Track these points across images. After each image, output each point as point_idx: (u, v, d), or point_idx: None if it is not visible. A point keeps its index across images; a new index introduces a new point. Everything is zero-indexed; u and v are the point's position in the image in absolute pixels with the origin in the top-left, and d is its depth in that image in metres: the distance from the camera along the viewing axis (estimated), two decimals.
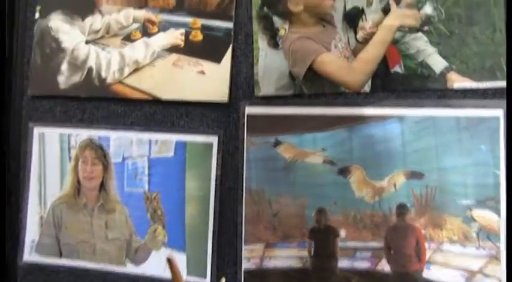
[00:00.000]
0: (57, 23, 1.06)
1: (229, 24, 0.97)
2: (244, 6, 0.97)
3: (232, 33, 0.97)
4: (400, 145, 0.88)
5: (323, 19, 0.92)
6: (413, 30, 0.89)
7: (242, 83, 0.95)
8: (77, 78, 1.04)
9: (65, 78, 1.04)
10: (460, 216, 0.84)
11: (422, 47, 0.89)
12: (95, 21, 1.05)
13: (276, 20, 0.93)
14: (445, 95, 0.87)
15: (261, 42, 0.94)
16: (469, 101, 0.86)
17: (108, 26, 1.05)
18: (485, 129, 0.84)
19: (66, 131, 1.04)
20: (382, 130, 0.89)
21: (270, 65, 0.93)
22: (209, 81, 0.96)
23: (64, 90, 1.05)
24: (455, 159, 0.85)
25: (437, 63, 0.88)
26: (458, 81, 0.87)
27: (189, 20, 1.00)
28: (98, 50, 1.03)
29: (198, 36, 0.99)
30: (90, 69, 1.03)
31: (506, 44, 0.84)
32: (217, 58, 0.96)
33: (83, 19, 1.06)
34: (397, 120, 0.88)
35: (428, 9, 0.88)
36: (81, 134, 1.03)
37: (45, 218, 1.04)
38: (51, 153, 1.05)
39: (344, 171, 0.89)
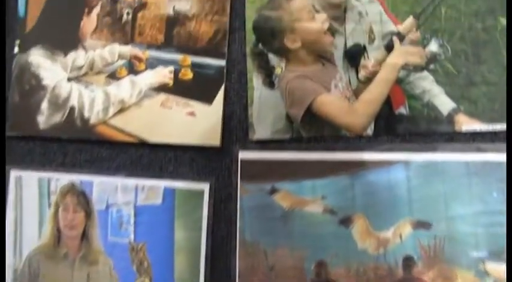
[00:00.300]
0: (38, 59, 1.05)
1: (222, 62, 0.96)
2: (238, 42, 0.96)
3: (224, 72, 0.96)
4: (405, 192, 0.86)
5: (322, 57, 0.90)
6: (418, 68, 0.88)
7: (235, 125, 0.94)
8: (58, 118, 1.02)
9: (45, 118, 1.02)
10: (472, 270, 0.81)
11: (428, 86, 0.88)
12: (78, 57, 1.04)
13: (272, 57, 0.92)
14: (453, 138, 0.85)
15: (256, 82, 0.93)
16: (479, 145, 0.84)
17: (92, 63, 1.03)
18: (497, 175, 0.82)
19: (45, 175, 1.02)
20: (386, 176, 0.86)
21: (266, 106, 0.92)
22: (200, 123, 0.94)
23: (44, 131, 1.02)
24: (466, 207, 0.83)
25: (444, 104, 0.87)
26: (466, 124, 0.85)
27: (178, 57, 0.99)
28: (81, 88, 1.02)
29: (187, 74, 0.97)
30: (72, 109, 1.01)
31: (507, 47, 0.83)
32: (208, 99, 0.95)
33: (65, 54, 1.04)
34: (402, 166, 0.86)
35: (433, 46, 0.87)
36: (62, 179, 1.01)
37: (21, 270, 1.00)
38: (29, 198, 1.03)
39: (346, 221, 0.87)
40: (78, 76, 1.03)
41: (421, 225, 0.84)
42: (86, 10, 1.04)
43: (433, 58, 0.87)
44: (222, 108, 0.94)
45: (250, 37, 0.94)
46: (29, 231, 1.02)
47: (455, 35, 0.88)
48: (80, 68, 1.04)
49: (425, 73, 0.88)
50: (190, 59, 0.98)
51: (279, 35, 0.89)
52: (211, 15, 0.98)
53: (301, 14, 0.89)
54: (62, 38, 1.05)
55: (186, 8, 0.99)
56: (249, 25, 0.94)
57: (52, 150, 1.03)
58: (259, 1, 0.94)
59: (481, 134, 0.85)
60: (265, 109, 0.92)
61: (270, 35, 0.90)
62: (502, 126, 0.83)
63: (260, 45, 0.92)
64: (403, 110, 0.88)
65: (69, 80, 1.03)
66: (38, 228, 1.01)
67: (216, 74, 0.96)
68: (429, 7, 0.88)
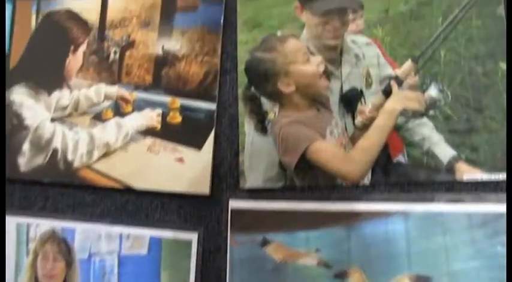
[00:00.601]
0: (21, 97, 1.05)
1: (212, 105, 0.96)
2: (229, 85, 0.96)
3: (215, 116, 0.95)
4: (404, 245, 0.85)
5: (317, 101, 0.90)
6: (417, 114, 0.88)
7: (226, 173, 0.93)
8: (40, 160, 1.01)
9: (26, 160, 1.02)
10: None
11: (428, 133, 0.87)
12: (62, 97, 1.04)
13: (265, 101, 0.91)
14: (454, 188, 0.85)
15: (248, 127, 0.93)
16: (481, 195, 0.83)
17: (77, 103, 1.03)
18: (500, 227, 0.81)
19: (25, 220, 1.01)
20: (384, 228, 0.86)
21: (258, 153, 0.91)
22: (188, 170, 0.93)
23: (25, 174, 1.02)
24: (468, 262, 0.82)
25: (444, 152, 0.86)
26: (468, 173, 0.85)
27: (166, 99, 0.99)
28: (65, 129, 1.02)
29: (176, 118, 0.97)
30: (55, 151, 1.01)
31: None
32: (197, 144, 0.95)
33: (49, 94, 1.04)
34: (400, 217, 0.85)
35: (433, 91, 0.87)
36: (42, 225, 1.00)
37: None
38: (7, 245, 1.01)
39: (341, 275, 0.86)
40: (62, 117, 1.04)
41: (420, 280, 0.83)
42: (72, 48, 1.05)
43: (432, 104, 0.87)
44: (211, 155, 0.94)
45: (242, 80, 0.93)
46: (5, 280, 1.00)
47: (456, 79, 0.88)
48: (64, 108, 1.04)
49: (424, 119, 0.88)
50: (179, 101, 0.98)
51: (272, 78, 0.88)
52: (202, 56, 0.98)
53: (296, 56, 0.88)
54: (46, 76, 1.05)
55: (175, 47, 1.00)
56: (241, 67, 0.94)
57: (33, 193, 1.03)
58: (251, 42, 0.95)
59: (483, 184, 0.84)
60: (257, 156, 0.91)
61: (263, 78, 0.89)
62: (504, 176, 0.83)
63: (252, 88, 0.91)
64: (401, 158, 0.88)
65: (52, 120, 1.03)
66: (14, 278, 1.00)
67: (206, 118, 0.96)
68: (428, 50, 0.88)
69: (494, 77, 0.86)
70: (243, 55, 0.94)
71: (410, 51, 0.90)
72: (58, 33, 1.06)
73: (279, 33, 0.92)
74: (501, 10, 0.88)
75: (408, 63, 0.88)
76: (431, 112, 0.87)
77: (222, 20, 0.98)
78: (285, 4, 0.96)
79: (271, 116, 0.91)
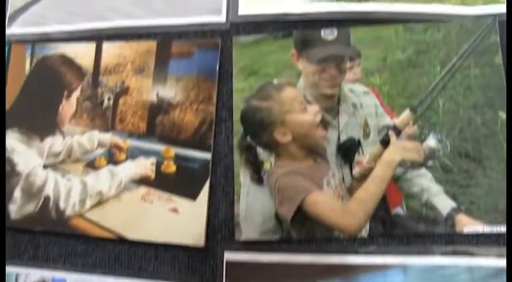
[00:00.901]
0: (13, 142, 1.05)
1: (207, 155, 0.97)
2: (224, 134, 0.97)
3: (210, 166, 0.96)
4: None
5: (314, 152, 0.91)
6: (416, 165, 0.88)
7: (221, 224, 0.94)
8: (31, 208, 1.01)
9: (17, 207, 1.02)
10: None
11: (427, 185, 0.89)
12: (55, 143, 1.05)
13: (261, 151, 0.92)
14: (454, 241, 0.86)
15: (243, 177, 0.93)
16: (482, 248, 0.84)
17: (70, 150, 1.04)
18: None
19: (14, 269, 1.01)
20: (383, 281, 0.86)
21: (253, 204, 0.92)
22: (182, 221, 0.94)
23: (15, 221, 1.02)
24: None
25: (443, 203, 0.87)
26: (468, 225, 0.86)
27: (161, 148, 1.00)
28: (57, 176, 1.02)
29: (170, 167, 0.98)
30: (47, 199, 1.01)
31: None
32: (192, 194, 0.95)
33: (42, 139, 1.05)
34: (399, 270, 0.86)
35: (431, 141, 0.88)
36: (32, 274, 1.00)
37: None
38: None
39: None
40: (55, 163, 1.04)
41: None
42: (66, 93, 1.06)
43: (431, 154, 0.88)
44: (206, 205, 0.94)
45: (238, 129, 0.95)
46: None
47: (454, 129, 0.90)
48: (57, 154, 1.04)
49: (423, 170, 0.89)
50: (173, 150, 0.99)
51: (269, 128, 0.89)
52: (197, 104, 1.00)
53: (292, 105, 0.90)
54: (39, 121, 1.06)
55: (170, 95, 1.01)
56: (236, 116, 0.95)
57: (23, 242, 1.03)
58: (247, 90, 0.96)
59: (484, 236, 0.85)
60: (253, 207, 0.92)
61: (259, 127, 0.90)
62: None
63: (248, 138, 0.92)
64: (400, 210, 0.89)
65: (45, 167, 1.03)
66: None
67: (200, 167, 0.96)
68: (426, 99, 0.90)
69: (493, 126, 0.88)
70: (238, 103, 0.96)
71: (409, 101, 0.91)
72: (52, 78, 1.08)
73: (275, 81, 0.94)
74: (499, 58, 0.91)
75: (406, 113, 0.89)
76: (430, 163, 0.88)
77: (217, 67, 1.00)
78: (281, 52, 0.98)
79: (267, 166, 0.91)
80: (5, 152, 1.03)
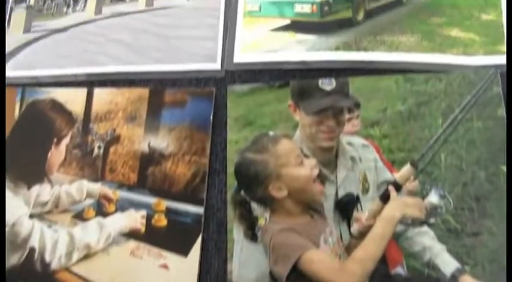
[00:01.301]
0: None
1: (199, 209, 0.95)
2: (218, 187, 0.95)
3: (202, 220, 0.94)
4: None
5: (311, 207, 0.87)
6: (417, 222, 0.84)
7: None
8: (15, 259, 0.98)
9: None
10: None
11: (429, 243, 0.86)
12: (42, 192, 1.02)
13: (255, 206, 0.88)
14: None
15: (237, 233, 0.90)
16: None
17: (58, 199, 1.02)
18: None
19: None
20: None
21: (247, 262, 0.89)
22: (173, 277, 0.91)
23: None
24: None
25: (447, 263, 0.85)
26: None
27: (151, 200, 0.97)
28: (44, 227, 0.99)
29: (161, 221, 0.96)
30: (32, 250, 0.97)
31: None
32: (183, 250, 0.93)
33: (29, 187, 1.02)
34: None
35: (433, 197, 0.85)
36: None
37: None
38: None
39: None
40: (42, 213, 1.01)
41: None
42: (55, 140, 1.04)
43: (433, 211, 0.84)
44: (198, 262, 0.92)
45: (232, 182, 0.92)
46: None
47: (458, 185, 0.88)
48: (44, 204, 1.02)
49: (425, 228, 0.86)
50: (164, 203, 0.96)
51: (264, 182, 0.86)
52: (190, 155, 0.97)
53: (288, 158, 0.86)
54: (27, 168, 1.03)
55: (162, 145, 0.99)
56: (230, 169, 0.93)
57: None
58: (242, 142, 0.94)
59: None
60: (247, 265, 0.89)
61: (254, 181, 0.86)
62: None
63: (242, 192, 0.88)
64: (400, 269, 0.87)
65: (31, 216, 1.00)
66: None
67: (192, 222, 0.94)
68: (428, 153, 0.86)
69: (497, 182, 0.86)
70: (232, 156, 0.94)
71: (409, 154, 0.90)
72: (41, 124, 1.06)
73: (271, 133, 0.90)
74: (502, 111, 0.89)
75: (407, 167, 0.85)
76: (432, 220, 0.84)
77: (211, 118, 0.99)
78: (278, 102, 0.96)
79: (261, 222, 0.88)
80: (5, 152, 1.01)
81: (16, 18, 1.25)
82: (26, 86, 1.12)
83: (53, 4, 1.28)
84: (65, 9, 1.27)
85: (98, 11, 1.23)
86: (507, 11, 0.91)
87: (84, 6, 1.26)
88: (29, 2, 1.27)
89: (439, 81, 0.95)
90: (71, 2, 1.27)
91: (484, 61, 0.95)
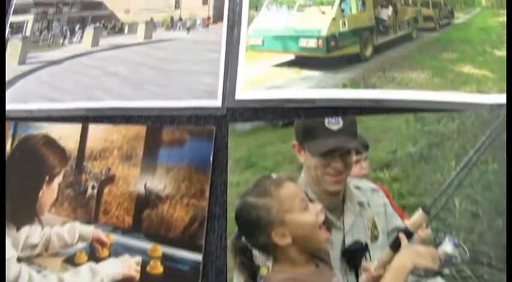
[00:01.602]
0: None
1: (198, 256, 0.91)
2: (217, 233, 0.92)
3: (200, 268, 0.90)
4: None
5: (316, 256, 0.83)
6: (430, 273, 0.81)
7: None
8: None
9: None
10: None
11: None
12: (32, 234, 0.97)
13: (257, 254, 0.85)
14: None
15: None
16: None
17: (48, 242, 0.97)
18: None
19: None
20: None
21: None
22: None
23: None
24: None
25: None
26: None
27: (147, 245, 0.93)
28: (32, 272, 0.93)
29: (157, 268, 0.91)
30: None
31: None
32: None
33: (18, 229, 0.97)
34: None
35: (447, 246, 0.81)
36: None
37: None
38: None
39: None
40: (31, 256, 0.96)
41: None
42: (47, 178, 0.99)
43: (447, 261, 0.80)
44: None
45: (232, 228, 0.88)
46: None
47: (474, 232, 0.84)
48: (34, 246, 0.97)
49: (438, 279, 0.81)
50: (161, 249, 0.92)
51: (266, 228, 0.82)
52: (188, 198, 0.94)
53: (293, 203, 0.82)
54: (17, 208, 0.98)
55: (159, 187, 0.96)
56: (230, 213, 0.89)
57: None
58: (243, 184, 0.90)
59: None
60: None
61: (255, 227, 0.82)
62: None
63: (243, 238, 0.85)
64: None
65: (19, 260, 0.95)
66: None
67: (190, 270, 0.90)
68: (441, 198, 0.82)
69: None
70: (233, 199, 0.90)
71: (421, 199, 0.86)
72: (33, 161, 1.01)
73: (274, 175, 0.86)
74: None
75: (419, 213, 0.82)
76: (446, 271, 0.80)
77: (211, 158, 0.96)
78: (281, 143, 0.94)
79: (263, 271, 0.85)
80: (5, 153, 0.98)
81: (12, 49, 1.23)
82: (19, 120, 1.08)
83: (50, 35, 1.26)
84: (61, 41, 1.25)
85: (95, 42, 1.22)
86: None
87: (81, 37, 1.25)
88: (25, 32, 1.25)
89: (451, 120, 0.92)
90: (68, 33, 1.25)
91: (499, 99, 0.92)
